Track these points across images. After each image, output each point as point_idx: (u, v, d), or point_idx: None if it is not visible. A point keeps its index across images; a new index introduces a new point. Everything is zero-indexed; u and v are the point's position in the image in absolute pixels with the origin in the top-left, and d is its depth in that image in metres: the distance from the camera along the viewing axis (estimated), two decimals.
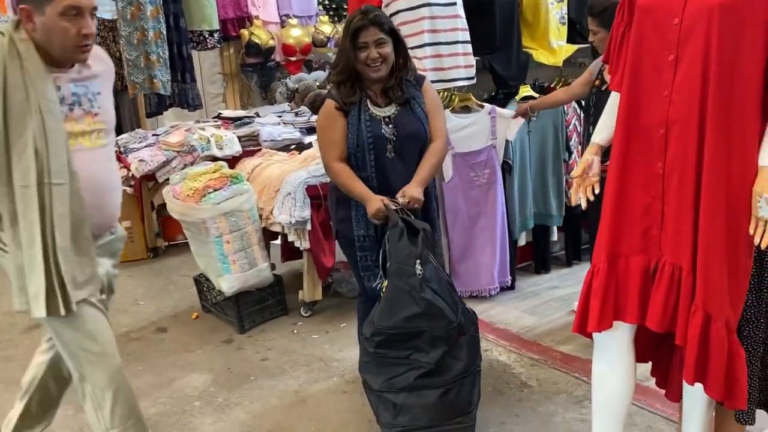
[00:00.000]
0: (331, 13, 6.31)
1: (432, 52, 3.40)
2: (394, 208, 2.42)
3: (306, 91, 5.87)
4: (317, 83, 5.97)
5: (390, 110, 2.58)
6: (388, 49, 2.52)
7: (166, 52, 5.41)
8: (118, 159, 5.13)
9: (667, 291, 1.74)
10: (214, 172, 3.62)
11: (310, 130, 5.38)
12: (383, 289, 2.46)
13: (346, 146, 2.57)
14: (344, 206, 2.65)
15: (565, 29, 3.92)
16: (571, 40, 3.99)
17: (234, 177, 3.60)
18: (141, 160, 4.74)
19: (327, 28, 6.13)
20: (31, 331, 3.89)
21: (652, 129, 1.75)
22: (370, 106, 2.57)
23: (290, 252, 4.29)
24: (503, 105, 3.81)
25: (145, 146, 4.99)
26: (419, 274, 2.27)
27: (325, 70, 6.33)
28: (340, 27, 6.21)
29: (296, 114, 5.55)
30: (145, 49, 5.37)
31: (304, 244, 3.67)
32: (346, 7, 6.41)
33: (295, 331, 3.67)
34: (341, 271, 4.31)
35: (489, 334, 3.39)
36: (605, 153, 2.00)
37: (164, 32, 5.38)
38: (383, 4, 3.43)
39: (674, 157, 1.73)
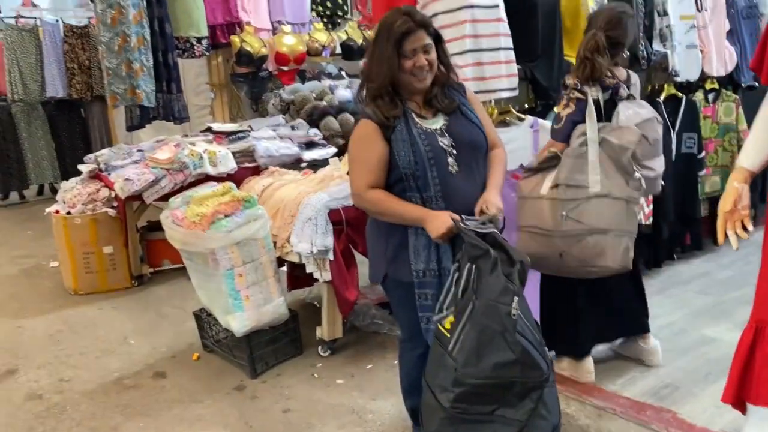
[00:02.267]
0: (326, 20, 5.91)
1: (473, 60, 3.05)
2: (477, 225, 2.03)
3: (302, 103, 5.46)
4: (314, 94, 5.57)
5: (439, 121, 2.22)
6: (434, 55, 2.17)
7: (150, 60, 4.95)
8: (99, 178, 4.64)
9: None
10: (222, 195, 3.17)
11: (309, 145, 4.98)
12: (443, 326, 2.05)
13: (384, 172, 2.18)
14: (395, 237, 2.24)
15: None
16: None
17: (247, 200, 3.16)
18: (126, 179, 4.25)
19: (322, 36, 5.73)
20: (5, 379, 3.36)
21: None
22: (417, 119, 2.20)
23: (297, 280, 3.87)
24: (542, 117, 3.46)
25: (130, 163, 4.50)
26: (515, 315, 1.88)
27: (320, 81, 5.92)
28: (336, 35, 5.83)
29: (293, 128, 5.12)
30: (127, 57, 4.90)
31: (325, 275, 3.24)
32: (340, 14, 6.05)
33: (316, 375, 3.23)
34: (358, 303, 3.90)
35: None
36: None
37: (148, 38, 4.92)
38: (419, 6, 3.06)
39: None
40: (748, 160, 1.66)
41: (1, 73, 7.61)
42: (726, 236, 1.68)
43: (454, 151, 2.18)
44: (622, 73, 2.82)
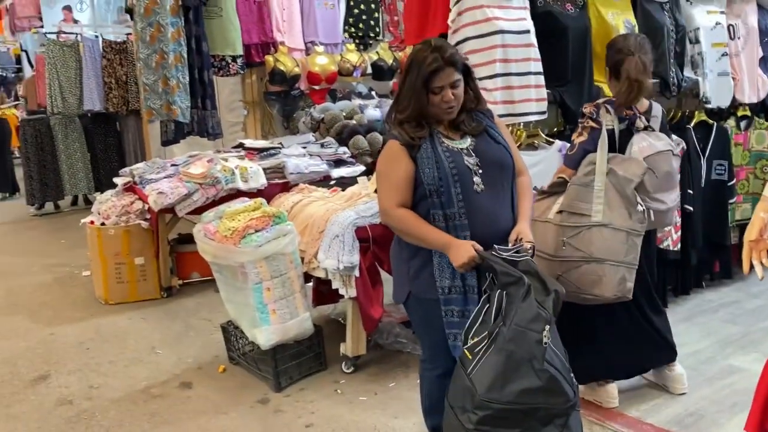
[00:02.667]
0: (358, 41, 6.00)
1: (503, 84, 3.10)
2: (512, 254, 2.07)
3: (332, 122, 5.54)
4: (344, 113, 5.65)
5: (466, 142, 2.27)
6: (461, 89, 2.23)
7: (187, 77, 5.06)
8: (133, 190, 4.76)
9: None
10: (254, 210, 3.23)
11: (338, 163, 5.05)
12: (467, 350, 2.07)
13: (410, 191, 2.24)
14: (420, 256, 2.28)
15: None
16: None
17: (277, 216, 3.22)
18: (160, 192, 4.35)
19: (353, 56, 5.81)
20: (37, 384, 3.45)
21: None
22: (443, 138, 2.25)
23: (322, 295, 3.92)
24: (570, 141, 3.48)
25: (164, 177, 4.60)
26: (545, 343, 1.90)
27: (350, 100, 6.00)
28: (367, 56, 5.91)
29: (322, 145, 5.20)
30: (164, 73, 5.02)
31: (350, 291, 3.28)
32: (372, 35, 6.14)
33: (339, 391, 3.25)
34: (383, 321, 3.93)
35: None
36: None
37: (185, 56, 5.04)
38: (450, 30, 3.12)
39: None
40: None
41: (41, 86, 7.86)
42: (752, 266, 1.69)
43: (480, 170, 2.22)
44: (643, 104, 2.85)
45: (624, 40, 2.82)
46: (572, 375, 2.11)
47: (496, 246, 2.16)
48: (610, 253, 2.61)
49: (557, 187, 2.81)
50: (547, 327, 1.92)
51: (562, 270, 2.69)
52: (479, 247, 2.13)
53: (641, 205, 2.67)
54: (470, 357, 2.05)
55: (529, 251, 2.14)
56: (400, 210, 2.24)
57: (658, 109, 2.89)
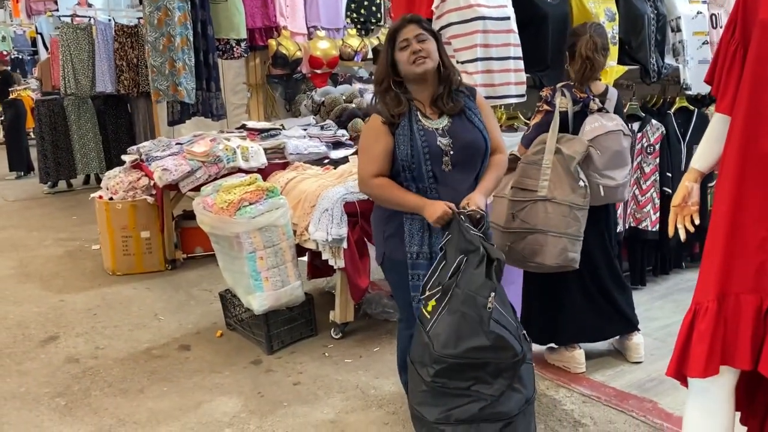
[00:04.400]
0: (359, 26, 6.18)
1: (483, 68, 3.27)
2: (462, 218, 2.26)
3: (332, 105, 5.74)
4: (344, 97, 5.83)
5: (442, 122, 2.42)
6: (431, 45, 2.38)
7: (192, 60, 5.26)
8: (140, 167, 4.99)
9: None
10: (249, 185, 3.45)
11: (336, 145, 5.24)
12: (426, 309, 2.28)
13: (388, 163, 2.42)
14: (394, 222, 2.48)
15: (616, 49, 3.79)
16: (620, 61, 3.86)
17: (270, 190, 3.44)
18: (165, 169, 4.58)
19: (355, 41, 6.00)
20: (47, 344, 3.70)
21: None
22: (420, 117, 2.42)
23: (316, 269, 4.14)
24: None
25: (169, 155, 4.82)
26: (490, 309, 2.10)
27: (351, 84, 6.19)
28: (368, 41, 6.10)
29: (322, 128, 5.39)
30: (170, 56, 5.22)
31: (338, 262, 3.50)
32: (374, 20, 6.32)
33: (327, 354, 3.48)
34: (371, 292, 4.15)
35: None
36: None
37: (191, 39, 5.23)
38: (435, 16, 3.30)
39: None
40: (698, 162, 1.86)
41: (56, 68, 8.10)
42: (676, 229, 1.89)
43: (452, 151, 2.38)
44: (599, 86, 3.04)
45: (581, 26, 3.04)
46: (523, 332, 2.31)
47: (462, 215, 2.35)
48: (553, 225, 2.85)
49: (511, 163, 3.01)
50: (493, 294, 2.11)
51: (511, 240, 2.94)
52: (452, 205, 2.30)
53: (583, 182, 2.88)
54: (428, 316, 2.26)
55: (476, 217, 2.29)
56: (378, 179, 2.42)
57: (613, 93, 3.09)
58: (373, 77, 2.58)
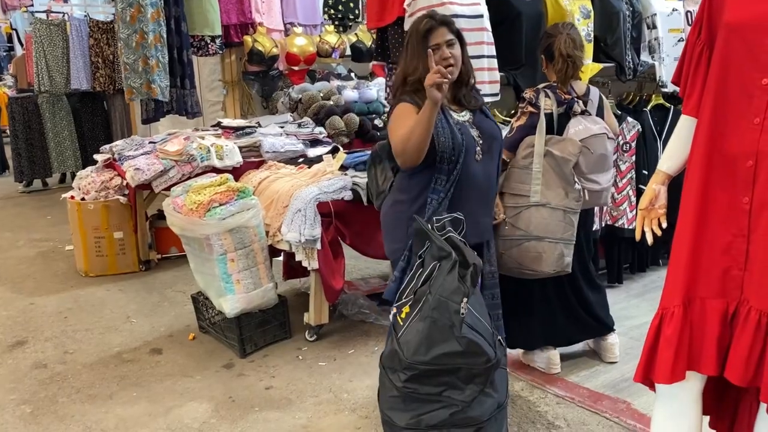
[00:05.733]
0: (337, 23, 6.10)
1: None
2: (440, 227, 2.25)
3: (310, 102, 5.68)
4: (321, 94, 5.78)
5: (466, 115, 2.51)
6: (458, 50, 2.42)
7: (166, 57, 5.18)
8: (112, 167, 4.90)
9: (752, 341, 1.56)
10: (219, 185, 3.39)
11: (314, 142, 5.19)
12: (400, 316, 2.25)
13: None
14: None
15: (590, 47, 3.77)
16: (595, 58, 3.84)
17: (241, 191, 3.38)
18: (137, 169, 4.50)
19: (332, 38, 5.94)
20: (14, 349, 3.63)
21: (738, 159, 1.58)
22: (451, 112, 2.47)
23: (292, 270, 4.09)
24: None
25: (141, 154, 4.75)
26: (463, 314, 2.07)
27: (329, 81, 6.13)
28: (346, 37, 6.04)
29: (299, 125, 5.34)
30: (144, 53, 5.14)
31: (312, 264, 3.45)
32: (351, 17, 6.25)
33: (300, 357, 3.44)
34: (347, 293, 4.11)
35: (508, 367, 3.18)
36: None
37: (164, 36, 5.15)
38: (407, 14, 3.25)
39: (765, 192, 1.54)
40: (666, 164, 1.84)
41: (30, 65, 7.96)
42: (643, 232, 1.86)
43: (481, 141, 2.46)
44: (581, 87, 3.00)
45: (552, 27, 3.01)
46: (498, 338, 2.29)
47: (435, 218, 2.33)
48: (549, 231, 2.79)
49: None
50: (465, 299, 2.08)
51: (504, 248, 2.85)
52: (444, 71, 2.17)
53: (578, 184, 2.84)
54: (401, 323, 2.23)
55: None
56: None
57: (595, 93, 3.03)
58: (396, 77, 2.51)
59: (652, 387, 1.80)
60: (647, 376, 1.73)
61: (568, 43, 2.87)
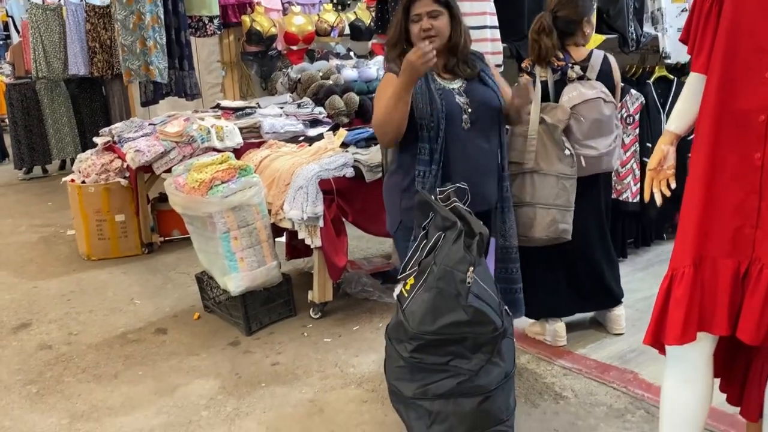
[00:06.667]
0: (335, 1, 6.06)
1: None
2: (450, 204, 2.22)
3: (309, 82, 5.63)
4: (321, 74, 5.73)
5: (458, 83, 2.45)
6: (441, 22, 2.37)
7: (164, 38, 5.15)
8: (112, 149, 4.88)
9: (765, 299, 1.54)
10: (221, 163, 3.36)
11: (313, 122, 5.16)
12: (405, 288, 2.24)
13: None
14: (411, 193, 2.43)
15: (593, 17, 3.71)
16: (598, 30, 3.80)
17: (243, 169, 3.36)
18: (137, 151, 4.48)
19: (331, 16, 5.89)
20: (19, 331, 3.62)
21: (751, 115, 1.55)
22: (437, 77, 2.42)
23: (295, 249, 4.08)
24: None
25: (141, 136, 4.72)
26: (469, 283, 2.05)
27: (328, 60, 6.08)
28: (345, 16, 5.99)
29: (299, 105, 5.30)
30: (141, 34, 5.11)
31: (315, 241, 3.43)
32: None
33: (306, 334, 3.43)
34: (350, 271, 4.09)
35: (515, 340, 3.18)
36: None
37: (162, 17, 5.12)
38: None
39: None
40: (674, 123, 1.81)
41: (27, 52, 7.90)
42: (652, 193, 1.84)
43: (469, 110, 2.40)
44: (580, 52, 2.95)
45: (550, 2, 2.95)
46: (505, 307, 2.27)
47: (437, 189, 2.32)
48: (540, 197, 2.79)
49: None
50: (471, 268, 2.06)
51: None
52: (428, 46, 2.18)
53: (569, 150, 2.82)
54: (406, 294, 2.22)
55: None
56: None
57: (597, 58, 2.95)
58: (385, 41, 2.54)
59: (662, 350, 1.78)
60: (657, 338, 1.71)
61: (535, 26, 2.88)
